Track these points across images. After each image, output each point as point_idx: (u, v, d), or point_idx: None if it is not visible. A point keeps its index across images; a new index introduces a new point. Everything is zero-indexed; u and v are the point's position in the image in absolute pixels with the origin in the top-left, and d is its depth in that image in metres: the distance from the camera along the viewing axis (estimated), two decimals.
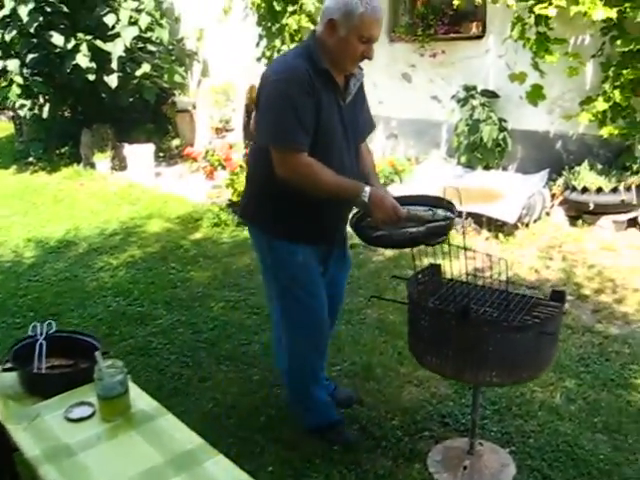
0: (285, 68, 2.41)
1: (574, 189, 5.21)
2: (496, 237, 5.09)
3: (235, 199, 5.58)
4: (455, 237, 5.16)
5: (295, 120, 2.35)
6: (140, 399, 2.32)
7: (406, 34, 6.32)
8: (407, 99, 6.65)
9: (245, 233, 5.58)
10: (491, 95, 5.98)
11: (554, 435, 2.98)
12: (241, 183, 5.51)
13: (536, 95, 5.41)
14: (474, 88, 6.01)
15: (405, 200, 2.60)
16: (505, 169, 6.12)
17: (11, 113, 9.92)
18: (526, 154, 6.04)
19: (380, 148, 6.84)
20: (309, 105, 2.36)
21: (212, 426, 3.14)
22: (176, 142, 8.29)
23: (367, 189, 2.41)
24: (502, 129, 5.84)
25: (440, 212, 2.54)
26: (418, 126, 6.62)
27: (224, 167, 5.64)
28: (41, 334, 2.51)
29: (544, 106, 5.62)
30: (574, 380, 3.40)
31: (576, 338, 3.80)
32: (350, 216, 2.71)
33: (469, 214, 5.10)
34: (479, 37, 6.08)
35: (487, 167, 6.01)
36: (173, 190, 7.03)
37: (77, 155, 8.31)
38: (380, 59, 6.70)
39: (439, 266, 2.76)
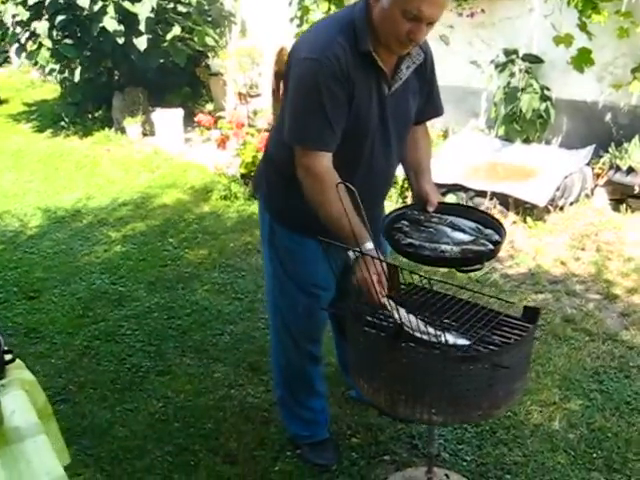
0: (318, 45, 1.93)
1: (618, 169, 4.55)
2: (524, 221, 4.50)
3: (243, 170, 5.19)
4: None
5: (321, 116, 1.92)
6: (21, 413, 1.98)
7: None
8: (445, 64, 5.97)
9: (252, 208, 5.20)
10: (534, 60, 5.31)
11: (539, 471, 2.51)
12: (248, 154, 5.12)
13: (583, 60, 4.72)
14: (515, 52, 5.36)
15: (450, 210, 2.17)
16: (548, 143, 5.47)
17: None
18: (572, 127, 5.36)
19: None
20: (341, 97, 1.93)
21: (155, 429, 2.86)
22: (209, 107, 7.93)
23: (367, 245, 1.91)
24: (544, 98, 5.18)
25: (487, 231, 2.07)
26: (456, 94, 5.99)
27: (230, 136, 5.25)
28: None
29: (593, 73, 4.94)
30: (581, 400, 2.89)
31: (594, 347, 3.25)
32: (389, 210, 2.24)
33: (494, 194, 4.53)
34: None
35: (527, 140, 5.38)
36: (196, 158, 6.68)
37: (110, 119, 8.09)
38: None
39: (397, 267, 2.29)
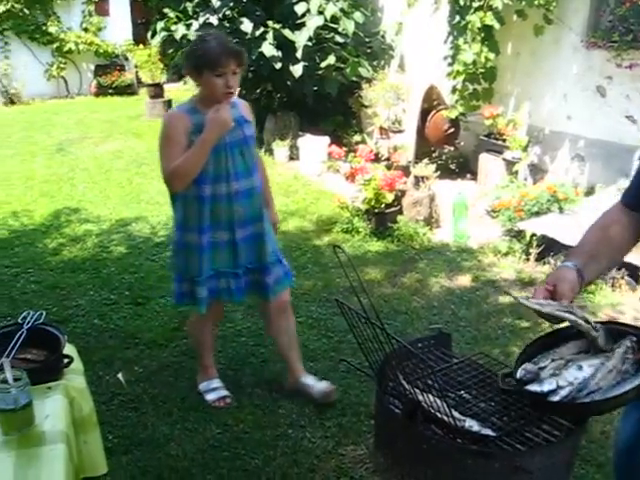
0: None
1: None
2: None
3: (366, 206, 5.12)
4: (602, 292, 4.24)
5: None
6: (52, 419, 2.03)
7: (602, 39, 5.32)
8: (599, 116, 5.64)
9: (369, 245, 5.12)
10: None
11: None
12: (371, 190, 5.06)
13: None
14: None
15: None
16: None
17: None
18: None
19: (563, 169, 5.93)
20: None
21: (205, 455, 2.97)
22: (357, 138, 7.97)
23: (569, 263, 1.74)
24: None
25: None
26: (607, 149, 5.58)
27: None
28: (28, 323, 2.39)
29: None
30: None
31: None
32: None
33: (623, 264, 4.12)
34: None
35: None
36: (333, 188, 6.71)
37: (262, 140, 8.37)
38: (572, 67, 5.79)
39: (449, 335, 2.11)
